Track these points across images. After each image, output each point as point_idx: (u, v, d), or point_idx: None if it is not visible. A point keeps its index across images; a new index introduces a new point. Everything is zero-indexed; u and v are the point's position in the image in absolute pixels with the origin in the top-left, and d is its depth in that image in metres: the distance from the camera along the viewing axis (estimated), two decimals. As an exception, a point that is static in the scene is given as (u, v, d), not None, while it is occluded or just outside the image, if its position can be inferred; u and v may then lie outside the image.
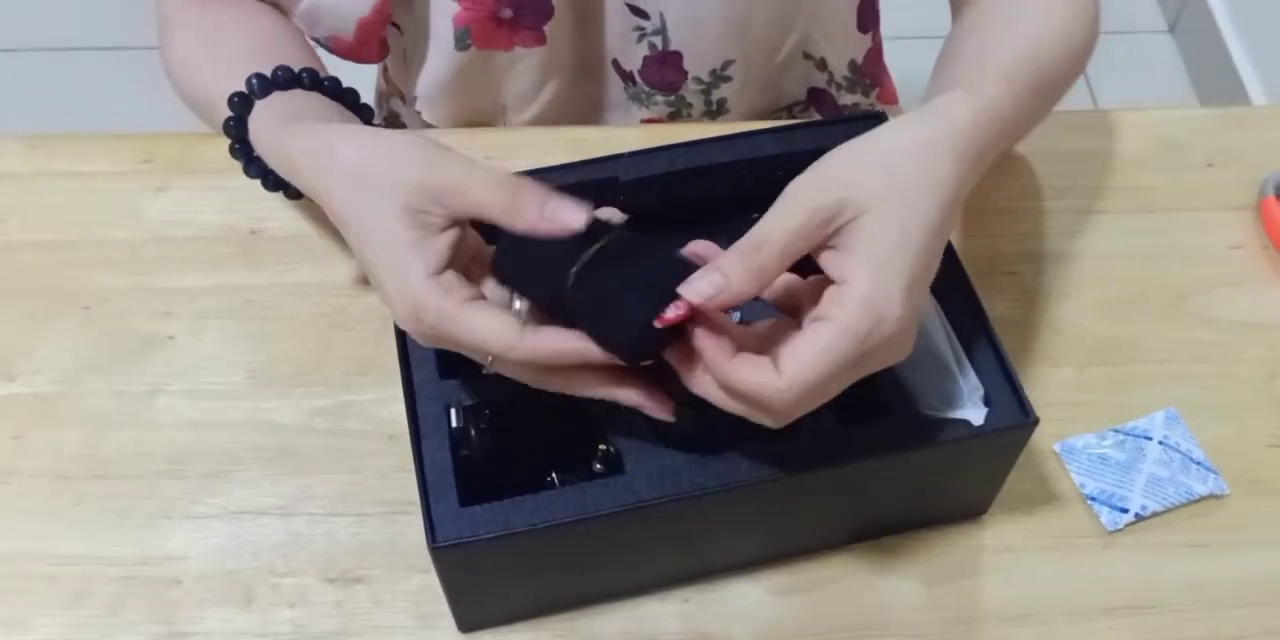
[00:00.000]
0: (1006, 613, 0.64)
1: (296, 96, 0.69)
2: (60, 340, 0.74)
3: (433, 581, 0.61)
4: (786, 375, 0.50)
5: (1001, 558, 0.66)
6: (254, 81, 0.68)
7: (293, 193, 0.71)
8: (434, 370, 0.60)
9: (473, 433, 0.59)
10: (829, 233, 0.52)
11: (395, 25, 0.85)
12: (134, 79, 1.86)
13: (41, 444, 0.70)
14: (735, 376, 0.51)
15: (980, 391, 0.59)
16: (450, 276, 0.55)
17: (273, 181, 0.70)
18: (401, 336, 0.62)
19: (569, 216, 0.54)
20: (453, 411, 0.59)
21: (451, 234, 0.55)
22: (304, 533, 0.67)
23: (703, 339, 0.51)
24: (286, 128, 0.65)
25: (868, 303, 0.50)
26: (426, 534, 0.55)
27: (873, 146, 0.55)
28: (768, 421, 0.52)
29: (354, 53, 0.81)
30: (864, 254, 0.51)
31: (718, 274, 0.51)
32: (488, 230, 0.57)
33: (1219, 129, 0.84)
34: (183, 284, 0.76)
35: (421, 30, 0.83)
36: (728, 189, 0.68)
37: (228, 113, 0.69)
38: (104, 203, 0.80)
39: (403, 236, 0.54)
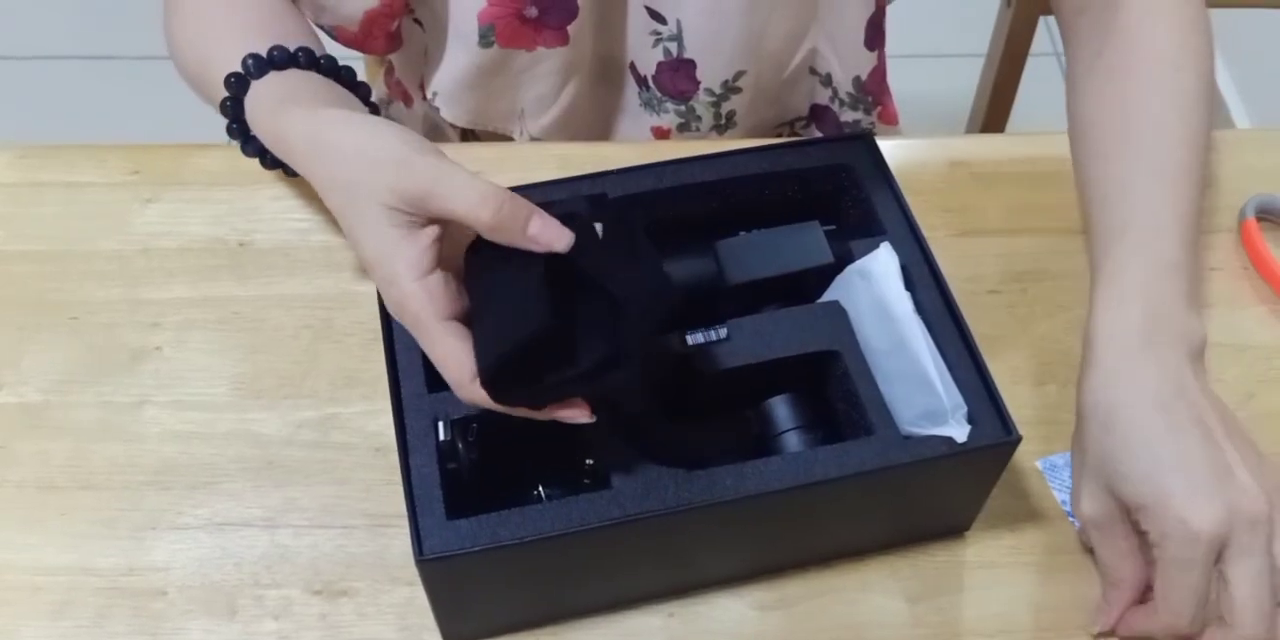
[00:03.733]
0: (989, 629, 0.65)
1: (293, 76, 0.70)
2: (47, 351, 0.74)
3: (418, 594, 0.61)
4: (1164, 617, 0.59)
5: (984, 574, 0.67)
6: (250, 62, 0.69)
7: (290, 171, 0.72)
8: (422, 383, 0.61)
9: (460, 446, 0.59)
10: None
11: (418, 21, 0.86)
12: (122, 89, 1.87)
13: (27, 454, 0.70)
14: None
15: (963, 409, 0.60)
16: (437, 280, 0.55)
17: (270, 160, 0.71)
18: (390, 350, 0.62)
19: (554, 237, 0.54)
20: (440, 425, 0.59)
21: (433, 230, 0.56)
22: (289, 545, 0.67)
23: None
24: (282, 111, 0.66)
25: (1164, 520, 0.58)
26: (413, 547, 0.55)
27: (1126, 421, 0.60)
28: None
29: (358, 43, 0.82)
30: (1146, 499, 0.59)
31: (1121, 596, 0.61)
32: None
33: (1200, 151, 0.85)
34: (170, 295, 0.76)
35: (444, 25, 0.83)
36: (715, 207, 0.68)
37: (224, 93, 0.69)
38: (92, 214, 0.80)
39: (388, 233, 0.56)
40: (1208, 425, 0.59)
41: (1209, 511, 0.56)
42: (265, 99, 0.68)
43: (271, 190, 0.81)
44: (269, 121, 0.67)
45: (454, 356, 0.54)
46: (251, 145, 0.71)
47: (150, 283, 0.77)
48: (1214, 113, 0.73)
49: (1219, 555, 0.57)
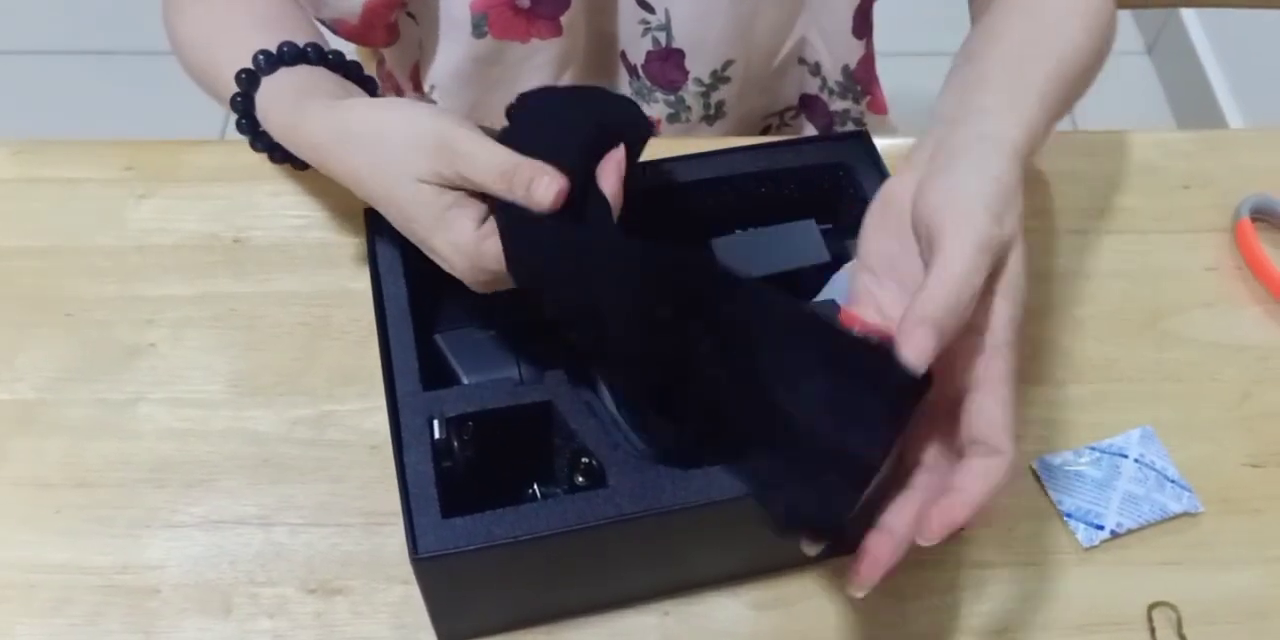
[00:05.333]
0: (983, 628, 0.65)
1: (302, 72, 0.70)
2: (41, 348, 0.74)
3: (413, 593, 0.61)
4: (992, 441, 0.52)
5: (978, 574, 0.67)
6: (260, 58, 0.69)
7: (300, 164, 0.71)
8: (417, 381, 0.61)
9: (455, 444, 0.59)
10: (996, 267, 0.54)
11: (410, 14, 0.86)
12: (118, 85, 1.86)
13: (22, 452, 0.70)
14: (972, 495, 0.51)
15: (959, 408, 0.59)
16: (495, 241, 0.58)
17: (280, 155, 0.71)
18: (385, 347, 0.62)
19: (543, 192, 0.56)
20: (436, 423, 0.59)
21: (478, 197, 0.59)
22: (284, 543, 0.67)
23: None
24: (300, 105, 0.66)
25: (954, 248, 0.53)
26: (408, 545, 0.55)
27: (947, 172, 0.57)
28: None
29: (358, 36, 0.82)
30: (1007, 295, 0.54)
31: (929, 327, 0.51)
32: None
33: (1195, 152, 0.85)
34: (165, 292, 0.76)
35: (437, 16, 0.83)
36: (711, 205, 0.68)
37: (234, 89, 0.69)
38: (87, 210, 0.80)
39: (437, 201, 0.58)
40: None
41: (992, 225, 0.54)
42: (279, 94, 0.68)
43: (268, 186, 0.81)
44: (287, 116, 0.67)
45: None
46: (261, 140, 0.71)
47: (145, 279, 0.77)
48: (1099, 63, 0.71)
49: None
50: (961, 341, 0.53)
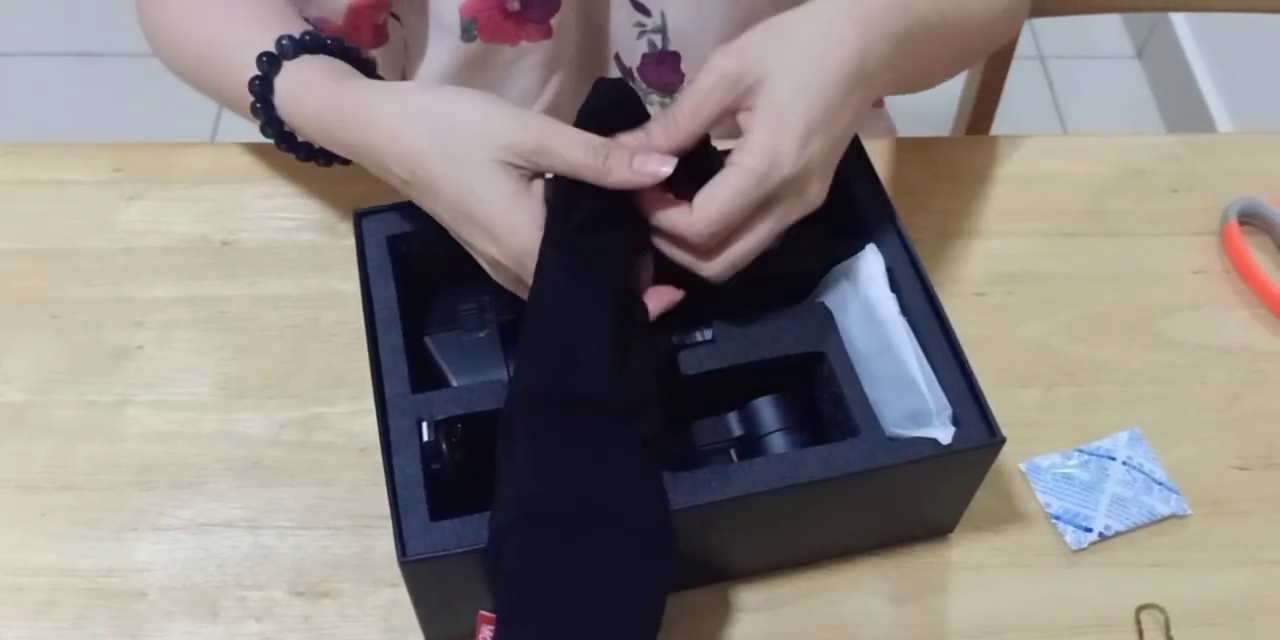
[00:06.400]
0: (973, 630, 0.65)
1: (322, 60, 0.69)
2: (29, 350, 0.73)
3: (402, 595, 0.61)
4: (697, 210, 0.57)
5: (968, 576, 0.67)
6: (285, 43, 0.68)
7: (303, 154, 0.71)
8: (406, 384, 0.60)
9: (444, 447, 0.59)
10: (740, 93, 0.57)
11: (395, 16, 0.85)
12: (107, 86, 1.86)
13: (9, 454, 0.69)
14: (658, 217, 0.58)
15: (948, 411, 0.60)
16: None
17: (287, 144, 0.70)
18: (374, 350, 0.62)
19: (656, 166, 0.57)
20: (424, 425, 0.59)
21: (540, 183, 0.59)
22: (272, 546, 0.66)
23: (644, 195, 0.58)
24: (342, 88, 0.66)
25: (764, 146, 0.56)
26: (396, 548, 0.55)
27: (781, 19, 0.60)
28: (704, 270, 0.59)
29: (345, 37, 0.81)
30: (763, 107, 0.57)
31: (640, 132, 0.58)
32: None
33: (1183, 156, 0.86)
34: (154, 294, 0.76)
35: (426, 19, 0.83)
36: None
37: (247, 73, 0.68)
38: (76, 212, 0.80)
39: (504, 187, 0.58)
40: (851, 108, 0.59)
41: (796, 156, 0.57)
42: (309, 80, 0.67)
43: (258, 189, 0.81)
44: (325, 98, 0.66)
45: None
46: (272, 126, 0.70)
47: (134, 281, 0.76)
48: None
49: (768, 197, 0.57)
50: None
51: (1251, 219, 0.82)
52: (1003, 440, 0.59)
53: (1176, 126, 1.91)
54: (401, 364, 0.61)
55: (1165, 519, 0.69)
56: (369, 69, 0.72)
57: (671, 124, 0.58)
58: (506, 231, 0.58)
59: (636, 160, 0.57)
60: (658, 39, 0.84)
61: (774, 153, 0.56)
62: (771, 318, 0.64)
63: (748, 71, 0.57)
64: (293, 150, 0.71)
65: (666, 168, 0.57)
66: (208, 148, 0.84)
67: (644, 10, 0.83)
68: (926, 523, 0.67)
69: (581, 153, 0.57)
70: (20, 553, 0.66)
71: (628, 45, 0.86)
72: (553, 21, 0.81)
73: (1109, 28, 2.07)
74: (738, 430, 0.64)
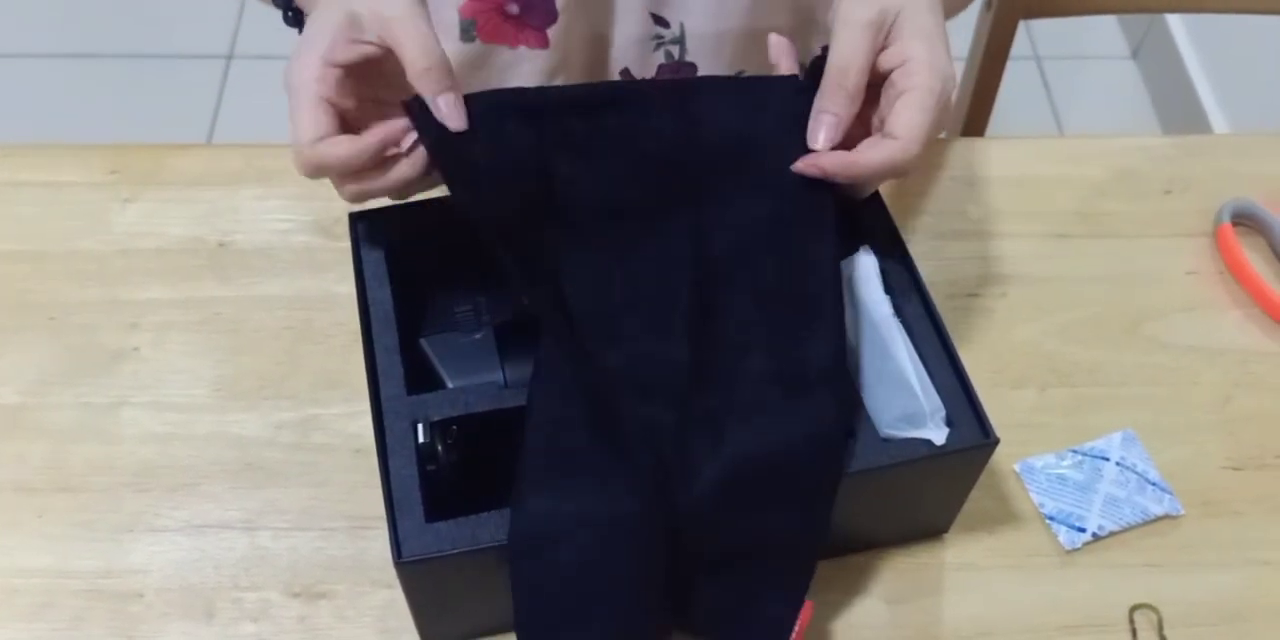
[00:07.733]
0: (967, 630, 0.65)
1: None
2: (25, 352, 0.74)
3: (398, 597, 0.61)
4: (903, 136, 0.58)
5: (962, 576, 0.67)
6: None
7: (291, 19, 0.72)
8: (401, 385, 0.61)
9: (439, 448, 0.59)
10: (885, 33, 0.61)
11: None
12: (102, 88, 1.86)
13: (5, 456, 0.69)
14: (868, 163, 0.59)
15: (942, 412, 0.60)
16: (337, 74, 0.57)
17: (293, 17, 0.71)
18: (370, 351, 0.62)
19: (456, 118, 0.58)
20: (420, 426, 0.59)
21: (372, 49, 0.58)
22: (268, 547, 0.67)
23: (825, 159, 0.60)
24: None
25: (934, 67, 0.60)
26: (392, 549, 0.55)
27: None
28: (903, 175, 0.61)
29: None
30: (916, 35, 0.60)
31: (829, 115, 0.60)
32: None
33: (1176, 157, 0.86)
34: (149, 296, 0.76)
35: None
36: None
37: None
38: (71, 214, 0.80)
39: (328, 26, 0.58)
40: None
41: (951, 68, 0.61)
42: None
43: (252, 190, 0.81)
44: None
45: (307, 119, 0.57)
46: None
47: (129, 283, 0.77)
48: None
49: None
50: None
51: (1245, 220, 0.82)
52: (996, 441, 0.60)
53: (1172, 127, 1.92)
54: (397, 365, 0.61)
55: (1159, 519, 0.69)
56: None
57: (852, 91, 0.60)
58: (294, 55, 0.58)
59: (448, 97, 0.58)
60: (675, 50, 0.84)
61: (943, 71, 0.60)
62: (766, 319, 0.64)
63: (886, 12, 0.61)
64: (298, 25, 0.72)
65: (451, 124, 0.59)
66: (203, 150, 0.84)
67: (663, 22, 0.83)
68: (921, 523, 0.67)
69: (421, 49, 0.58)
70: (16, 554, 0.66)
71: (642, 58, 0.85)
72: (550, 32, 0.81)
73: (1104, 29, 2.07)
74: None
